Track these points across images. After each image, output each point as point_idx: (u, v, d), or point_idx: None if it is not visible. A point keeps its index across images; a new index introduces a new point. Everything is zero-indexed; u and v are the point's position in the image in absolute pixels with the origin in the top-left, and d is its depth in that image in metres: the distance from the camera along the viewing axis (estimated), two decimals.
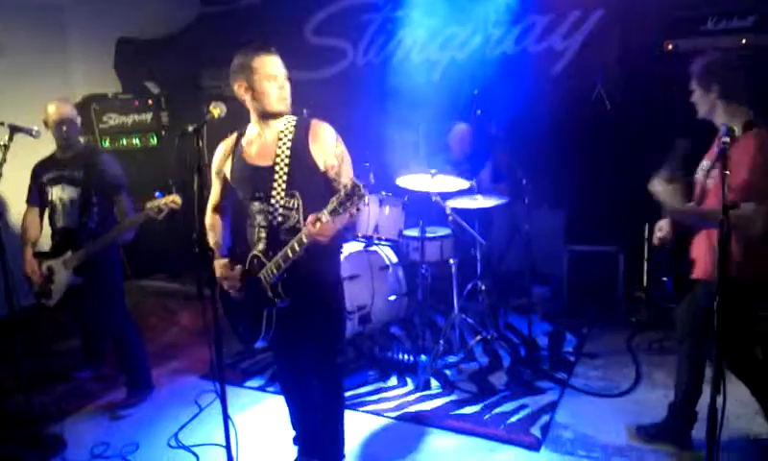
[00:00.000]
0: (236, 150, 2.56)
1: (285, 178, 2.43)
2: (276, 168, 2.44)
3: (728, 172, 2.07)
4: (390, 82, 5.50)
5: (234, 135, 2.61)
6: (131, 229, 3.47)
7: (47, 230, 3.71)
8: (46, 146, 3.69)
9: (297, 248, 2.32)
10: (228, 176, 2.60)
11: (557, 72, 5.13)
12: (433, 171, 4.15)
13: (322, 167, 2.45)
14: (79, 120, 3.69)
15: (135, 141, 5.79)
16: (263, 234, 2.49)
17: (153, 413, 3.64)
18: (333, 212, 2.20)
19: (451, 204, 4.11)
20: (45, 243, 3.74)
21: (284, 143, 2.45)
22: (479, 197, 4.15)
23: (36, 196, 3.67)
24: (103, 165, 3.59)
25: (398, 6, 5.56)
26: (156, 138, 5.84)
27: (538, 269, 4.88)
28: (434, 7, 5.38)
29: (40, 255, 3.65)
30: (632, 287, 4.57)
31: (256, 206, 2.49)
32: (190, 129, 2.24)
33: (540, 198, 4.65)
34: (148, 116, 5.81)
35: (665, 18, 4.35)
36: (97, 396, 3.86)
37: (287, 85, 2.48)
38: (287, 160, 2.43)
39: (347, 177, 2.43)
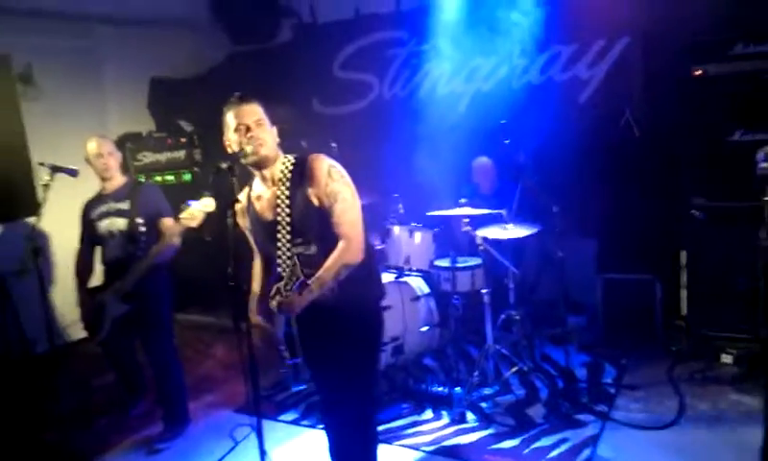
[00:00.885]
0: (249, 204, 2.51)
1: (288, 228, 2.37)
2: (278, 219, 2.37)
3: None
4: (417, 114, 5.58)
5: (246, 190, 2.55)
6: (169, 245, 3.50)
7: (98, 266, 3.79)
8: (86, 185, 3.80)
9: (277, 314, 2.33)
10: (250, 230, 2.57)
11: (583, 100, 5.13)
12: (463, 201, 4.17)
13: (317, 204, 2.35)
14: (119, 154, 3.80)
15: (170, 178, 5.91)
16: (287, 285, 2.43)
17: (188, 447, 3.65)
18: (286, 288, 2.20)
19: (482, 233, 4.10)
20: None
21: (282, 192, 2.37)
22: (510, 226, 4.12)
23: (87, 234, 3.77)
24: (146, 194, 3.73)
25: (423, 40, 5.63)
26: (189, 175, 5.94)
27: (571, 298, 4.81)
28: (458, 40, 5.44)
29: (90, 291, 3.74)
30: (670, 316, 4.46)
31: (277, 256, 2.44)
32: (224, 166, 2.26)
33: (570, 226, 4.61)
34: (181, 153, 5.93)
35: (692, 43, 4.33)
36: (135, 430, 3.88)
37: (259, 130, 2.34)
38: (287, 211, 2.36)
39: (340, 217, 2.34)
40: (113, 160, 3.71)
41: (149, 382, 3.95)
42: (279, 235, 2.38)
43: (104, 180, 3.72)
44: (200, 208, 3.19)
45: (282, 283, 2.22)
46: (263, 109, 2.41)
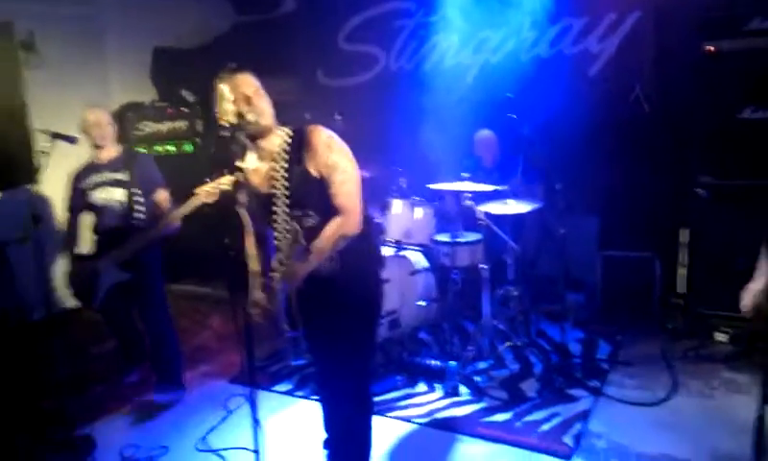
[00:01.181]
0: (245, 178, 2.43)
1: (286, 201, 2.34)
2: (276, 191, 2.35)
3: None
4: (423, 86, 5.50)
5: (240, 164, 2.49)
6: (176, 221, 3.57)
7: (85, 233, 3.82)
8: (85, 153, 3.83)
9: (277, 285, 2.31)
10: (246, 204, 2.51)
11: (593, 74, 5.05)
12: (465, 175, 4.13)
13: (317, 176, 2.32)
14: (113, 125, 3.82)
15: (171, 148, 5.89)
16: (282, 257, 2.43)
17: (182, 416, 3.69)
18: (287, 257, 2.17)
19: (483, 208, 4.07)
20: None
21: (280, 165, 2.34)
22: (511, 201, 4.09)
23: (77, 203, 3.79)
24: (143, 164, 3.81)
25: (431, 11, 5.55)
26: (191, 145, 5.91)
27: (571, 275, 4.77)
28: (467, 11, 5.37)
29: (81, 258, 3.77)
30: (668, 294, 4.43)
31: (273, 230, 2.43)
32: (226, 133, 2.22)
33: (573, 203, 4.56)
34: (183, 124, 5.89)
35: (704, 19, 4.23)
36: (130, 398, 3.92)
37: (259, 99, 2.31)
38: (285, 183, 2.33)
39: (338, 188, 2.31)
40: (110, 130, 3.75)
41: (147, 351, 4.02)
42: (276, 207, 2.37)
43: (98, 149, 3.74)
44: (215, 186, 3.24)
45: (283, 254, 2.20)
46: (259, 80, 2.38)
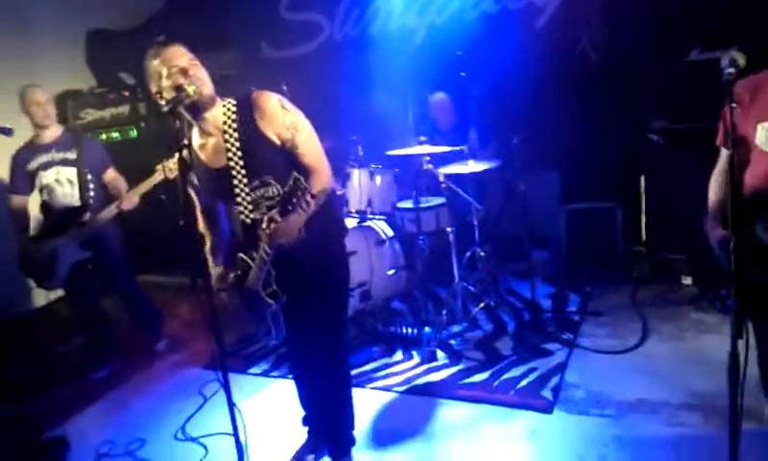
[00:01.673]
0: (192, 155, 2.35)
1: (244, 172, 2.26)
2: (231, 163, 2.25)
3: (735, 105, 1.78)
4: (370, 53, 5.38)
5: (186, 141, 2.37)
6: (136, 198, 3.68)
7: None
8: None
9: (267, 251, 2.21)
10: (195, 181, 2.42)
11: (540, 27, 5.03)
12: (422, 139, 4.07)
13: (278, 142, 2.26)
14: (53, 104, 3.80)
15: (115, 135, 5.62)
16: (242, 236, 2.37)
17: (157, 407, 3.58)
18: (283, 212, 2.08)
19: (443, 171, 4.03)
20: None
21: (230, 135, 2.25)
22: (471, 162, 4.06)
23: (24, 184, 3.74)
24: (90, 145, 3.89)
25: None
26: (135, 130, 5.66)
27: (536, 232, 4.81)
28: None
29: (36, 239, 3.70)
30: (631, 242, 4.52)
31: (231, 207, 2.37)
32: (165, 109, 2.09)
33: (532, 159, 4.58)
34: (125, 108, 5.63)
35: None
36: (101, 394, 3.78)
37: (196, 69, 2.19)
38: (239, 154, 2.24)
39: (305, 147, 2.28)
40: (51, 109, 3.73)
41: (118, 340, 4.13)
42: (236, 181, 2.27)
43: (41, 128, 3.70)
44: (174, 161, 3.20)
45: (276, 209, 2.09)
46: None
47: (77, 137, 3.85)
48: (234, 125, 2.25)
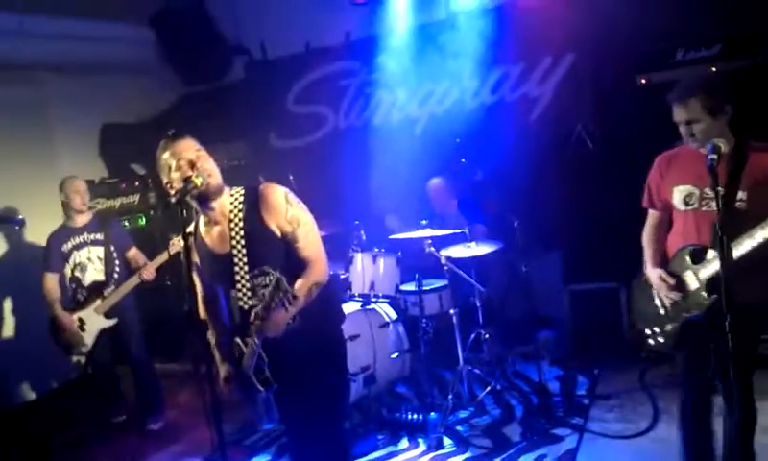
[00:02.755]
0: (197, 241, 2.44)
1: (245, 260, 2.31)
2: (234, 251, 2.32)
3: (720, 189, 2.09)
4: (373, 141, 5.59)
5: (192, 225, 2.47)
6: (152, 270, 4.16)
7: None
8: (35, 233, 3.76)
9: (256, 341, 2.27)
10: (199, 266, 2.48)
11: (536, 117, 5.19)
12: (424, 222, 4.16)
13: (279, 234, 2.33)
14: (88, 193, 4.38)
15: (124, 224, 5.73)
16: (238, 320, 2.40)
17: None
18: (266, 309, 2.16)
19: (445, 253, 4.08)
20: None
21: (236, 224, 2.32)
22: (473, 245, 4.11)
23: (58, 263, 4.20)
24: (115, 226, 4.47)
25: (374, 69, 5.66)
26: (144, 219, 5.79)
27: (540, 312, 4.79)
28: (408, 66, 5.48)
29: (66, 310, 4.16)
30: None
31: (229, 292, 2.41)
32: (173, 200, 2.20)
33: (533, 241, 4.63)
34: (135, 198, 5.77)
35: (635, 54, 4.46)
36: None
37: (203, 161, 2.28)
38: (243, 242, 2.31)
39: (305, 240, 2.35)
40: (87, 197, 4.30)
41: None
42: (237, 268, 2.32)
43: (77, 213, 4.22)
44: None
45: (261, 307, 2.16)
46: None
47: (104, 220, 4.36)
48: (240, 214, 2.33)
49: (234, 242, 2.32)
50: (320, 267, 2.38)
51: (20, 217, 3.69)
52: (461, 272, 4.07)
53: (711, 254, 2.38)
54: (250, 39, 6.16)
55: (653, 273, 2.63)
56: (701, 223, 2.43)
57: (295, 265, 2.34)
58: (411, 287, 4.23)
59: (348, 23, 5.66)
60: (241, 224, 2.32)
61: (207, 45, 5.99)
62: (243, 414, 4.05)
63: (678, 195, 2.51)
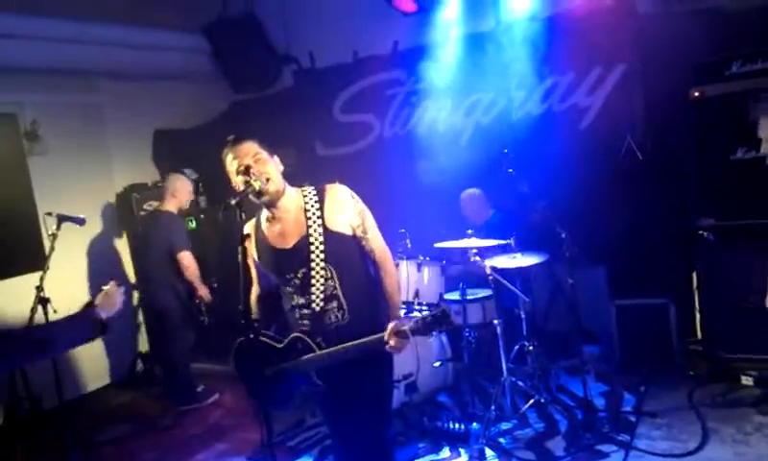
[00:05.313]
0: (258, 235, 2.50)
1: (322, 256, 2.36)
2: (312, 246, 2.37)
3: None
4: (418, 150, 5.61)
5: (253, 221, 2.54)
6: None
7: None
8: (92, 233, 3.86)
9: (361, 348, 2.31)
10: (258, 261, 2.54)
11: (584, 127, 5.13)
12: (470, 231, 4.15)
13: (349, 231, 2.42)
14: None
15: None
16: (306, 313, 2.42)
17: None
18: (416, 332, 2.20)
19: (490, 263, 4.06)
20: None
21: (313, 220, 2.38)
22: (518, 255, 4.09)
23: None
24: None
25: (421, 78, 5.68)
26: (194, 222, 5.96)
27: (585, 326, 4.73)
28: (456, 76, 5.47)
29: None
30: (686, 339, 4.37)
31: (292, 287, 2.43)
32: (233, 202, 2.26)
33: (579, 253, 4.57)
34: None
35: (688, 65, 4.37)
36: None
37: (259, 165, 2.35)
38: (321, 238, 2.37)
39: (372, 232, 2.46)
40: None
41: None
42: (314, 263, 2.36)
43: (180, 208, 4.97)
44: None
45: (411, 325, 2.24)
46: (260, 144, 2.42)
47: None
48: (313, 209, 2.40)
49: (312, 237, 2.37)
50: (391, 264, 2.52)
51: (82, 216, 3.78)
52: (506, 282, 4.05)
53: None
54: (299, 48, 6.28)
55: None
56: None
57: (356, 263, 2.43)
58: (455, 296, 4.22)
59: (397, 33, 5.71)
60: (318, 220, 2.38)
61: (258, 54, 6.13)
62: (287, 417, 4.15)
63: None
